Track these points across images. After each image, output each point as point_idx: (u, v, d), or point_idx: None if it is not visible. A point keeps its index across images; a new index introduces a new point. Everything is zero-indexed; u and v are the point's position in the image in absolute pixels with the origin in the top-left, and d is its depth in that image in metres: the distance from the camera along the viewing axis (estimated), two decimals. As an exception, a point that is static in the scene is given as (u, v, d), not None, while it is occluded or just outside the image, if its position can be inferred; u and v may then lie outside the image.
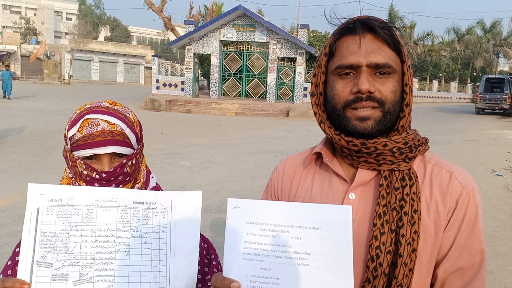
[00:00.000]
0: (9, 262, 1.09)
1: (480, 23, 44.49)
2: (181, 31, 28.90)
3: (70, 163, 1.07)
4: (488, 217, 5.69)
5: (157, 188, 1.20)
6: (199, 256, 0.93)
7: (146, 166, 1.18)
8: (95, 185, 1.03)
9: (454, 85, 40.34)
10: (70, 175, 1.11)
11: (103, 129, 1.03)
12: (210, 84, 23.09)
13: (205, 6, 31.44)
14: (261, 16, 22.79)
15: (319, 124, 1.00)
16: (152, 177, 1.19)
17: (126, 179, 1.07)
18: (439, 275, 0.92)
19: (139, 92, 30.69)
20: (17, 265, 1.04)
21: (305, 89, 21.79)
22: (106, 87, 36.69)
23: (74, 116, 1.07)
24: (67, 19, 57.87)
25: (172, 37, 30.57)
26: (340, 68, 0.93)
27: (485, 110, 26.05)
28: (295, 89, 22.01)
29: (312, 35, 25.78)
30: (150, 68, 37.97)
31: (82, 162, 1.04)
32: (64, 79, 37.37)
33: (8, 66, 23.39)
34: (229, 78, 23.18)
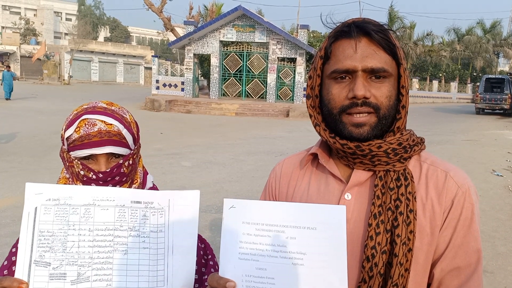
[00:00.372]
0: (5, 262, 1.08)
1: (480, 23, 44.53)
2: (181, 32, 28.93)
3: (67, 164, 1.07)
4: (488, 217, 5.68)
5: (154, 188, 1.20)
6: (196, 256, 0.93)
7: (143, 167, 1.19)
8: (91, 185, 1.03)
9: (454, 85, 40.36)
10: (67, 176, 1.11)
11: (100, 130, 1.03)
12: (210, 84, 23.11)
13: (205, 7, 31.49)
14: (261, 17, 22.81)
15: (315, 127, 1.01)
16: (149, 177, 1.19)
17: (123, 180, 1.07)
18: (436, 275, 0.92)
19: (139, 92, 30.71)
20: (14, 265, 1.04)
21: (305, 89, 21.79)
22: (106, 88, 36.71)
23: (71, 117, 1.07)
24: (67, 19, 57.94)
25: (172, 38, 30.58)
26: (336, 72, 0.94)
27: (485, 110, 26.07)
28: (295, 89, 22.02)
29: (312, 35, 25.82)
30: (150, 68, 38.01)
31: (79, 162, 1.04)
32: (63, 80, 37.41)
33: (9, 66, 22.98)
34: (229, 78, 23.19)
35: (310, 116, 1.01)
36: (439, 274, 0.91)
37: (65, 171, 1.12)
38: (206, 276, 1.13)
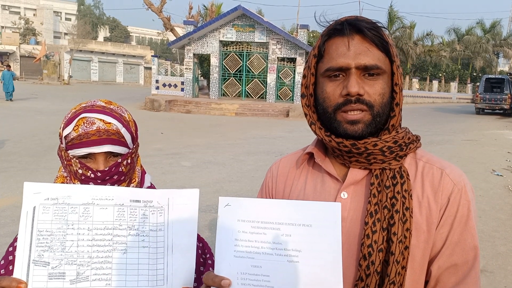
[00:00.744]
0: (2, 262, 1.08)
1: (480, 23, 44.55)
2: (181, 32, 28.92)
3: (65, 162, 1.06)
4: (488, 217, 5.68)
5: (152, 188, 1.20)
6: None
7: (141, 166, 1.18)
8: (90, 184, 1.02)
9: (454, 85, 40.38)
10: (65, 174, 1.10)
11: (99, 128, 1.02)
12: (210, 84, 23.10)
13: (205, 6, 31.49)
14: (261, 17, 22.80)
15: (310, 126, 1.01)
16: (147, 177, 1.19)
17: (121, 179, 1.07)
18: (433, 272, 0.92)
19: (138, 92, 30.71)
20: (10, 264, 1.04)
21: (305, 89, 21.77)
22: (106, 88, 36.71)
23: (69, 115, 1.06)
24: (66, 19, 57.94)
25: (172, 38, 30.59)
26: (329, 70, 0.94)
27: (485, 110, 26.09)
28: (295, 89, 22.02)
29: (312, 35, 25.82)
30: (150, 68, 38.03)
31: (77, 161, 1.03)
32: (63, 80, 37.39)
33: (9, 66, 22.66)
34: (229, 78, 23.19)
35: (306, 115, 1.02)
36: (437, 271, 0.92)
37: (63, 170, 1.11)
38: None
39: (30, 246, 0.85)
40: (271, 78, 21.93)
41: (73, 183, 1.05)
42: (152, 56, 25.17)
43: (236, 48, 22.61)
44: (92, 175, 1.03)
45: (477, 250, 0.92)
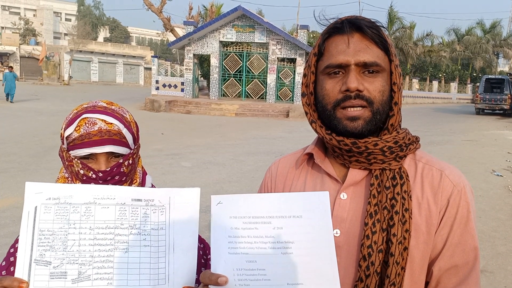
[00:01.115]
0: (3, 263, 1.08)
1: (480, 23, 44.55)
2: (181, 32, 28.92)
3: (67, 163, 1.07)
4: (488, 217, 5.69)
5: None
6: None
7: (142, 167, 1.19)
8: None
9: (454, 85, 40.37)
10: (66, 175, 1.11)
11: (100, 129, 1.03)
12: (210, 85, 23.10)
13: (205, 7, 31.48)
14: (261, 17, 22.80)
15: (310, 124, 1.01)
16: (148, 178, 1.19)
17: (123, 179, 1.07)
18: (434, 273, 0.92)
19: (138, 92, 30.70)
20: (12, 266, 1.04)
21: (305, 89, 21.76)
22: (106, 88, 36.72)
23: (71, 116, 1.07)
24: (66, 20, 57.95)
25: (172, 38, 30.58)
26: (329, 67, 0.94)
27: (485, 111, 26.09)
28: (295, 90, 22.01)
29: (312, 35, 25.82)
30: (150, 68, 38.02)
31: (78, 161, 1.03)
32: (63, 80, 37.40)
33: (11, 67, 22.42)
34: (228, 79, 23.19)
35: (306, 113, 1.02)
36: (437, 272, 0.92)
37: (64, 171, 1.11)
38: None
39: (32, 246, 0.85)
40: (271, 78, 21.93)
41: (73, 184, 1.05)
42: (152, 56, 25.16)
43: (236, 48, 22.61)
44: (94, 176, 1.03)
45: (477, 251, 0.92)
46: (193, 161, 8.65)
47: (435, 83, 38.68)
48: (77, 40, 40.56)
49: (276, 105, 20.91)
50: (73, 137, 1.03)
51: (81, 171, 1.03)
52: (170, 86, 23.23)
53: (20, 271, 0.84)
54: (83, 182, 1.04)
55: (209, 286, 0.84)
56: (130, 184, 1.10)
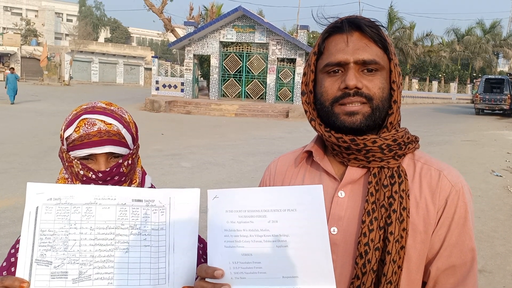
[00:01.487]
0: (4, 264, 1.09)
1: (480, 23, 44.53)
2: (181, 32, 28.93)
3: (66, 164, 1.07)
4: (487, 217, 5.69)
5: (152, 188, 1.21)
6: None
7: (142, 167, 1.19)
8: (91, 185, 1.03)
9: (453, 85, 40.34)
10: (66, 176, 1.11)
11: (100, 129, 1.03)
12: (210, 85, 23.10)
13: (205, 7, 31.51)
14: (261, 17, 22.80)
15: (310, 122, 1.01)
16: (147, 178, 1.20)
17: (122, 179, 1.08)
18: (432, 273, 0.93)
19: (138, 93, 30.70)
20: (13, 266, 1.05)
21: (305, 89, 21.74)
22: (106, 88, 36.71)
23: (70, 117, 1.07)
24: (68, 20, 57.99)
25: (172, 38, 30.60)
26: (328, 66, 0.95)
27: (485, 111, 26.06)
28: (294, 90, 22.01)
29: (311, 35, 25.81)
30: (150, 69, 38.01)
31: (78, 162, 1.04)
32: (64, 81, 37.40)
33: (12, 68, 22.19)
34: (228, 79, 23.19)
35: (306, 112, 1.02)
36: (435, 272, 0.92)
37: (64, 172, 1.12)
38: None
39: (33, 246, 0.85)
40: (270, 78, 21.93)
41: (74, 184, 1.06)
42: (152, 57, 25.17)
43: (236, 48, 22.61)
44: (94, 176, 1.04)
45: (475, 252, 0.92)
46: (193, 161, 8.66)
47: (435, 83, 38.65)
48: (78, 41, 40.59)
49: (275, 105, 20.91)
50: (73, 138, 1.04)
51: (81, 172, 1.04)
52: (170, 86, 23.24)
53: (21, 271, 0.84)
54: (83, 182, 1.05)
55: (206, 279, 0.85)
56: (129, 184, 1.11)
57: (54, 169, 7.12)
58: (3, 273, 1.06)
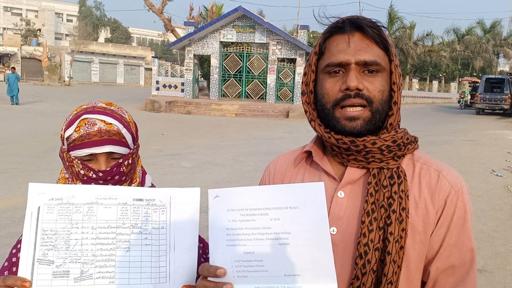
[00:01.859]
0: (6, 263, 1.09)
1: (480, 23, 44.55)
2: (181, 32, 28.93)
3: (67, 163, 1.08)
4: (488, 217, 5.70)
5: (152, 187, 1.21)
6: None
7: (142, 167, 1.20)
8: (92, 185, 1.04)
9: (454, 85, 40.34)
10: (66, 176, 1.12)
11: (100, 129, 1.04)
12: (210, 85, 23.11)
13: (205, 7, 31.52)
14: (261, 17, 22.81)
15: (310, 122, 1.01)
16: (148, 177, 1.21)
17: (122, 179, 1.08)
18: (431, 273, 0.93)
19: (139, 93, 30.72)
20: (14, 266, 1.05)
21: (305, 89, 21.76)
22: (106, 89, 36.73)
23: (70, 117, 1.08)
24: (68, 20, 58.02)
25: (172, 39, 30.61)
26: (329, 66, 0.95)
27: (485, 111, 26.06)
28: (294, 90, 22.02)
29: (312, 35, 25.81)
30: (150, 69, 37.98)
31: (79, 162, 1.05)
32: (64, 81, 37.42)
33: (13, 68, 22.12)
34: (229, 79, 23.19)
35: (306, 112, 1.02)
36: (435, 272, 0.92)
37: (65, 172, 1.13)
38: None
39: (35, 246, 0.86)
40: (271, 78, 21.93)
41: (75, 184, 1.07)
42: (152, 57, 25.18)
43: (236, 48, 22.62)
44: (94, 176, 1.04)
45: (474, 252, 0.93)
46: (193, 161, 8.66)
47: (435, 83, 38.66)
48: (78, 41, 40.62)
49: (276, 105, 20.92)
50: (73, 138, 1.04)
51: (82, 171, 1.05)
52: (170, 86, 23.25)
53: (23, 270, 0.85)
54: (84, 182, 1.05)
55: (208, 278, 0.85)
56: (130, 184, 1.11)
57: (55, 169, 7.12)
58: (5, 273, 1.07)
